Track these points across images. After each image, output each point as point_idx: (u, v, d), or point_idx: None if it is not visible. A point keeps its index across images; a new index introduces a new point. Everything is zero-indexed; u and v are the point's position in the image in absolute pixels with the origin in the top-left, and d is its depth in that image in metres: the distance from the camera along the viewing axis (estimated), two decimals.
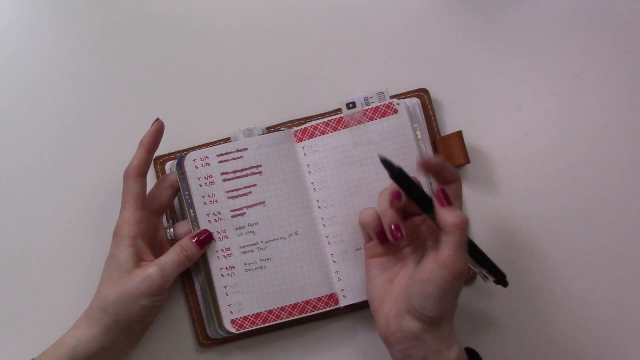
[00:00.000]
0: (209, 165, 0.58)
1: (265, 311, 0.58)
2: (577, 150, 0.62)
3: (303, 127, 0.60)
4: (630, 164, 0.62)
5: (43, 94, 0.63)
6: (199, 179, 0.58)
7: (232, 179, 0.58)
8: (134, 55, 0.63)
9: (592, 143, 0.62)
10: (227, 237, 0.58)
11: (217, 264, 0.57)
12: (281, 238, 0.58)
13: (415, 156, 0.58)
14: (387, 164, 0.49)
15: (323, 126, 0.59)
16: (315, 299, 0.58)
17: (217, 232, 0.58)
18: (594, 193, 0.62)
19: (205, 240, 0.57)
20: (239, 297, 0.57)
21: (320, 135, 0.59)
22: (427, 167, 0.50)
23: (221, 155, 0.58)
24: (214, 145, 0.60)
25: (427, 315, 0.49)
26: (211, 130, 0.62)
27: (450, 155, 0.60)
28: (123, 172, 0.56)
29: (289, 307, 0.58)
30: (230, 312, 0.57)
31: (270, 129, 0.61)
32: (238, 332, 0.57)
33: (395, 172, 0.49)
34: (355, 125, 0.59)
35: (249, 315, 0.57)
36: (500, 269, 0.52)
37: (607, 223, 0.61)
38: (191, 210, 0.58)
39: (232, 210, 0.58)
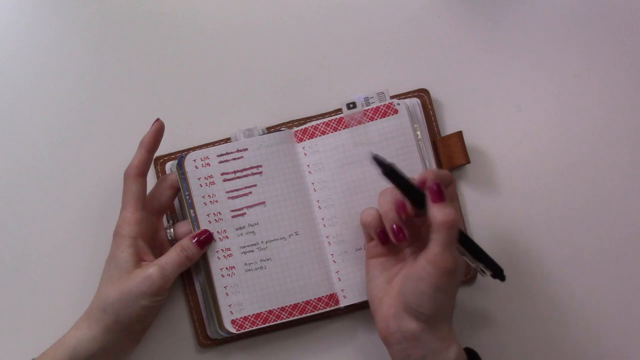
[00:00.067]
0: (209, 165, 0.58)
1: (265, 311, 0.58)
2: (577, 150, 0.62)
3: (303, 127, 0.60)
4: (630, 164, 0.62)
5: (43, 94, 0.63)
6: (199, 179, 0.58)
7: (232, 179, 0.58)
8: (134, 55, 0.63)
9: (592, 143, 0.62)
10: (227, 237, 0.58)
11: (217, 264, 0.57)
12: (281, 238, 0.58)
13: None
14: (377, 161, 0.49)
15: (323, 126, 0.59)
16: (315, 299, 0.58)
17: (217, 232, 0.58)
18: (594, 193, 0.62)
19: (205, 240, 0.57)
20: (239, 297, 0.57)
21: (320, 135, 0.59)
22: (424, 185, 0.49)
23: (221, 155, 0.58)
24: (214, 145, 0.60)
25: (423, 313, 0.49)
26: (211, 130, 0.62)
27: (450, 155, 0.60)
28: (123, 172, 0.56)
29: (289, 307, 0.58)
30: (230, 312, 0.57)
31: (270, 129, 0.61)
32: (238, 332, 0.57)
33: (387, 169, 0.49)
34: (356, 125, 0.59)
35: (249, 315, 0.57)
36: (497, 263, 0.52)
37: (607, 223, 0.61)
38: (191, 210, 0.58)
39: (232, 210, 0.58)
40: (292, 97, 0.63)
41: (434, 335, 0.50)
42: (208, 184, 0.58)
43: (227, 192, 0.58)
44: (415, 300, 0.49)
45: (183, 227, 0.58)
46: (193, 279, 0.59)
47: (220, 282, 0.57)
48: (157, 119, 0.57)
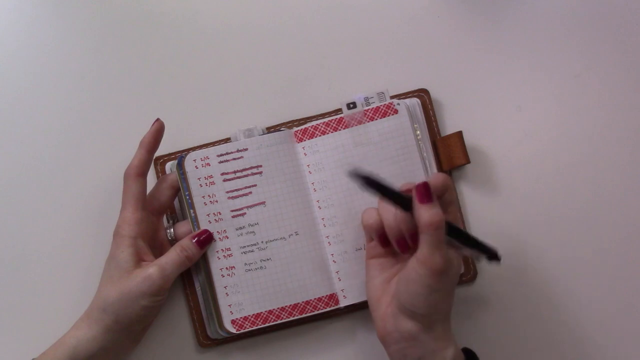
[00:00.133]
0: (209, 165, 0.58)
1: (265, 311, 0.58)
2: (577, 150, 0.62)
3: (303, 127, 0.60)
4: (630, 164, 0.62)
5: (43, 94, 0.63)
6: (199, 179, 0.58)
7: (232, 179, 0.58)
8: (134, 55, 0.63)
9: (592, 143, 0.62)
10: (227, 237, 0.58)
11: (217, 264, 0.57)
12: (281, 238, 0.58)
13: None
14: (354, 176, 0.47)
15: (323, 126, 0.59)
16: (315, 299, 0.58)
17: (217, 232, 0.58)
18: (594, 193, 0.62)
19: (205, 240, 0.57)
20: (239, 297, 0.57)
21: (320, 135, 0.59)
22: (410, 191, 0.49)
23: (221, 155, 0.58)
24: (214, 145, 0.60)
25: (418, 313, 0.49)
26: (211, 130, 0.62)
27: (450, 155, 0.60)
28: (123, 172, 0.56)
29: (289, 307, 0.58)
30: (230, 312, 0.57)
31: (270, 129, 0.61)
32: (238, 332, 0.57)
33: (366, 180, 0.47)
34: (356, 125, 0.59)
35: (249, 315, 0.57)
36: (489, 245, 0.51)
37: (607, 223, 0.61)
38: (191, 210, 0.58)
39: (232, 210, 0.58)
40: (292, 97, 0.63)
41: (430, 335, 0.50)
42: (208, 184, 0.58)
43: (227, 192, 0.58)
44: (409, 300, 0.49)
45: (183, 227, 0.58)
46: (193, 279, 0.59)
47: (220, 282, 0.57)
48: (157, 119, 0.57)
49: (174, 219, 0.60)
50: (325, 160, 0.59)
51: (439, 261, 0.47)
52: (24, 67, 0.63)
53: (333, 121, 0.59)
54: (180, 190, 0.58)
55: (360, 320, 0.60)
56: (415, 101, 0.61)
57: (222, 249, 0.58)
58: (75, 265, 0.61)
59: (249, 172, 0.58)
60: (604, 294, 0.61)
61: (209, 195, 0.58)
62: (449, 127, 0.62)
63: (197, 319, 0.60)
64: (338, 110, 0.61)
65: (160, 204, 0.58)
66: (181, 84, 0.63)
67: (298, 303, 0.58)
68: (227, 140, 0.61)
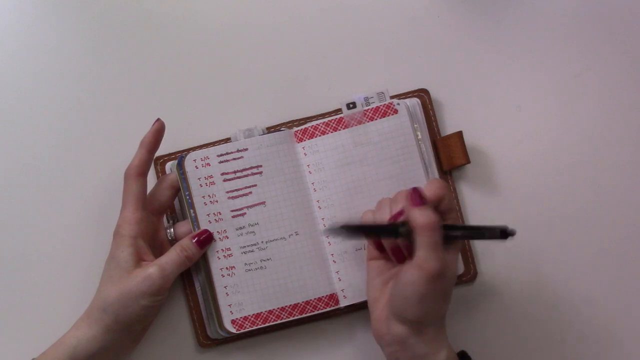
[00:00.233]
0: (209, 165, 0.58)
1: (265, 311, 0.58)
2: (577, 150, 0.62)
3: (303, 127, 0.60)
4: (630, 164, 0.62)
5: (43, 94, 0.63)
6: (199, 179, 0.58)
7: (232, 179, 0.58)
8: (134, 56, 0.63)
9: (592, 143, 0.62)
10: (227, 237, 0.58)
11: (217, 264, 0.57)
12: (281, 238, 0.58)
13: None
14: (332, 233, 0.50)
15: (323, 126, 0.59)
16: (315, 299, 0.58)
17: (217, 232, 0.58)
18: (594, 193, 0.62)
19: (205, 240, 0.57)
20: (239, 297, 0.57)
21: (320, 135, 0.59)
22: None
23: (221, 155, 0.58)
24: (214, 145, 0.60)
25: (407, 318, 0.49)
26: (211, 130, 0.62)
27: (450, 155, 0.60)
28: (123, 172, 0.56)
29: (289, 307, 0.58)
30: (230, 312, 0.57)
31: (270, 129, 0.61)
32: (238, 332, 0.57)
33: (345, 232, 0.50)
34: (355, 125, 0.59)
35: (249, 315, 0.57)
36: (496, 226, 0.49)
37: (607, 223, 0.61)
38: (191, 210, 0.58)
39: (232, 210, 0.58)
40: (292, 97, 0.63)
41: (420, 338, 0.49)
42: (208, 184, 0.58)
43: (227, 192, 0.58)
44: (401, 304, 0.49)
45: (183, 227, 0.58)
46: (193, 279, 0.59)
47: (220, 282, 0.57)
48: (158, 119, 0.57)
49: (174, 219, 0.60)
50: (325, 160, 0.59)
51: (435, 264, 0.47)
52: (24, 67, 0.63)
53: (333, 121, 0.59)
54: (180, 190, 0.58)
55: (360, 320, 0.60)
56: (415, 101, 0.61)
57: (222, 249, 0.58)
58: (75, 265, 0.61)
59: (249, 172, 0.58)
60: (604, 294, 0.61)
61: (209, 195, 0.58)
62: (449, 127, 0.62)
63: (197, 319, 0.60)
64: (338, 110, 0.61)
65: (160, 204, 0.58)
66: (181, 84, 0.63)
67: (298, 303, 0.58)
68: (227, 140, 0.61)
